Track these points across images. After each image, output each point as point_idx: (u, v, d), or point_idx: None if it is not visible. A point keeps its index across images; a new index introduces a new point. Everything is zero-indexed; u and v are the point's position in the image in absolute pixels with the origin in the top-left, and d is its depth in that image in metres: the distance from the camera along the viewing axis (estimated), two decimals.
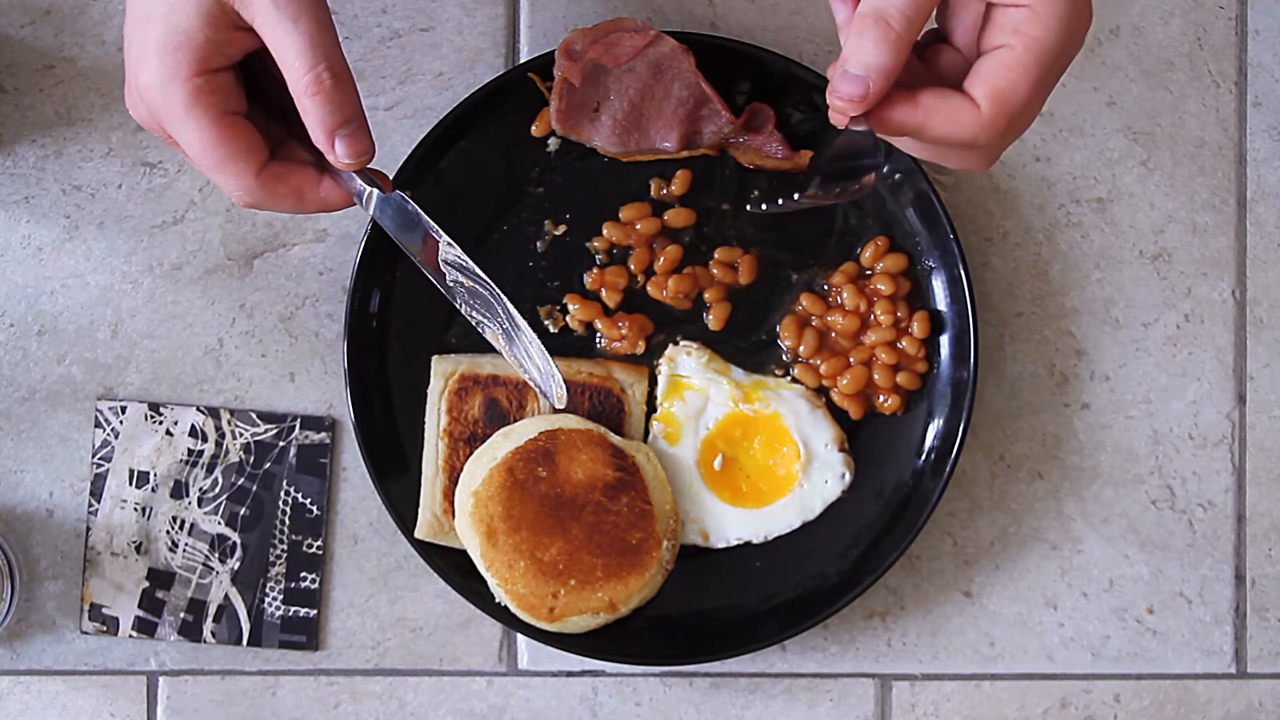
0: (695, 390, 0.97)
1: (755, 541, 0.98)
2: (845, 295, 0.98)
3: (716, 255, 0.98)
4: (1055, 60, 0.74)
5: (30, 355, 0.99)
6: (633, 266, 0.98)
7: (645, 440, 0.98)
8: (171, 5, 0.78)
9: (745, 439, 0.98)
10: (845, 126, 0.75)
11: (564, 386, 0.86)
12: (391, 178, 0.96)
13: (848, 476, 0.97)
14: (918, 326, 0.98)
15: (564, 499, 0.93)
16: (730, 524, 0.97)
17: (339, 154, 0.80)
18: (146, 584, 0.99)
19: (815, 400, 0.97)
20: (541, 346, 0.86)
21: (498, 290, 0.85)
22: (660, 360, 0.98)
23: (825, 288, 0.99)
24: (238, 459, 0.99)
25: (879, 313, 0.98)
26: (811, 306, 0.98)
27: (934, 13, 0.75)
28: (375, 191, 0.84)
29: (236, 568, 0.99)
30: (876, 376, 0.98)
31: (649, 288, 0.98)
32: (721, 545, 0.98)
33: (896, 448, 0.99)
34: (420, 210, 0.85)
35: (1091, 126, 1.01)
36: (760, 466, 0.98)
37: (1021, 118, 0.74)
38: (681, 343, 0.98)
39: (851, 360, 0.98)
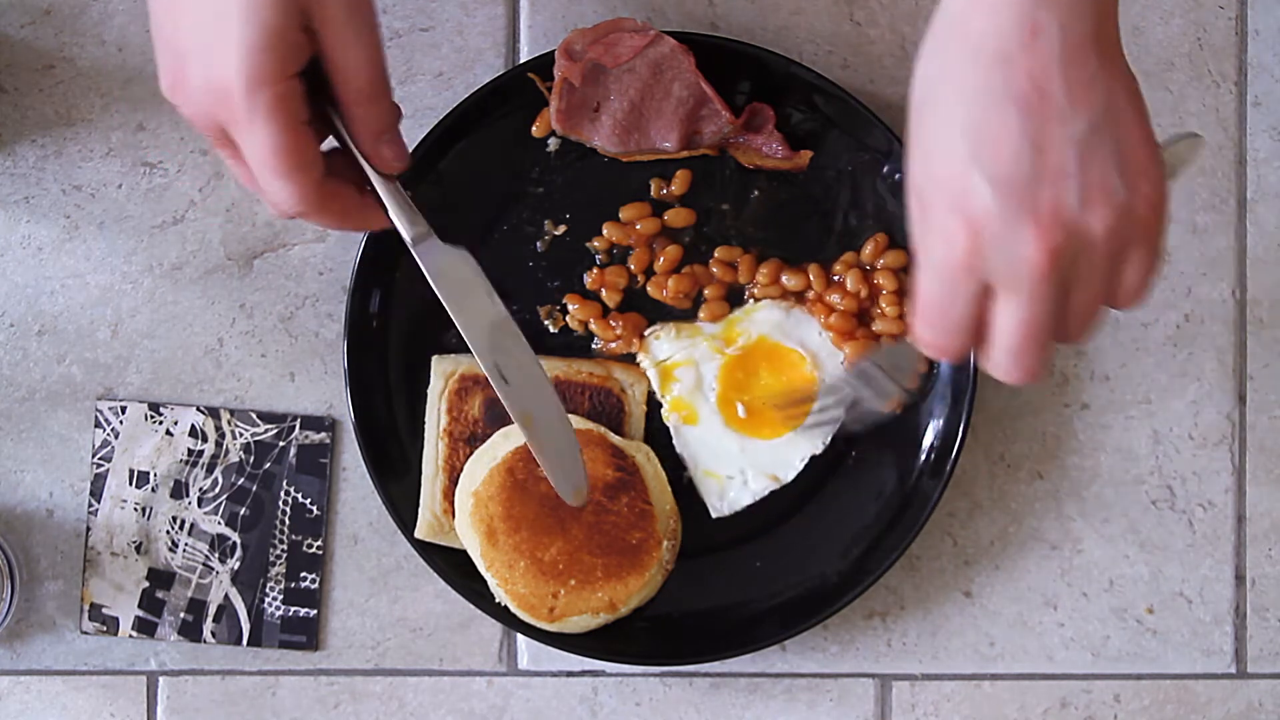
0: (684, 365, 0.97)
1: (817, 453, 0.98)
2: (849, 279, 0.98)
3: (716, 255, 0.98)
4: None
5: (30, 355, 0.99)
6: (633, 266, 0.98)
7: (662, 434, 0.98)
8: (252, 2, 0.76)
9: (750, 376, 0.98)
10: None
11: (585, 487, 0.90)
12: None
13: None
14: None
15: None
16: (786, 454, 0.97)
17: (384, 156, 0.83)
18: (146, 584, 0.99)
19: (785, 302, 0.97)
20: (575, 441, 0.90)
21: (545, 371, 0.89)
22: (641, 359, 0.98)
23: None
24: (238, 459, 0.99)
25: (885, 305, 0.98)
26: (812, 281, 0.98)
27: None
28: (433, 237, 0.86)
29: (236, 568, 0.99)
30: None
31: (649, 288, 0.98)
32: (793, 475, 0.98)
33: (896, 448, 0.99)
34: (481, 269, 0.88)
35: None
36: (778, 390, 0.97)
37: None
38: (647, 332, 0.98)
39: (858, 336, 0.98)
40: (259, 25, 0.76)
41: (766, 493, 0.98)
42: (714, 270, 0.98)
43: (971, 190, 0.75)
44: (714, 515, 0.98)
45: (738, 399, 0.98)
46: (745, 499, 0.98)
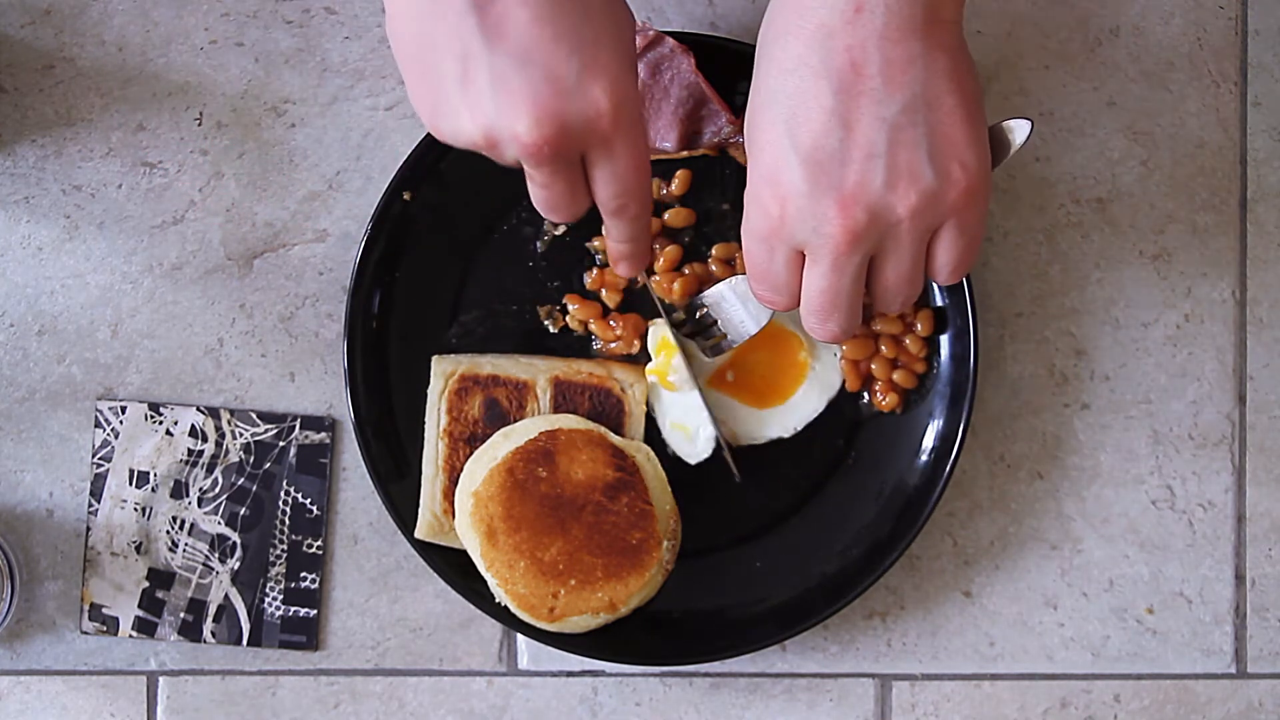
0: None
1: (786, 436, 0.98)
2: None
3: (714, 252, 0.98)
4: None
5: (30, 355, 0.99)
6: None
7: (646, 409, 0.98)
8: (618, 37, 0.77)
9: (747, 352, 0.98)
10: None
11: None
12: (391, 178, 0.96)
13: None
14: (922, 325, 0.98)
15: (564, 499, 0.93)
16: (758, 425, 0.98)
17: (615, 256, 0.87)
18: (146, 584, 0.99)
19: None
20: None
21: None
22: (650, 325, 0.98)
23: None
24: (238, 459, 0.99)
25: None
26: None
27: None
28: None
29: (236, 568, 0.99)
30: (874, 367, 0.98)
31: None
32: (755, 443, 0.98)
33: (896, 448, 0.99)
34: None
35: (1091, 126, 1.01)
36: (770, 366, 0.98)
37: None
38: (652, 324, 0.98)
39: (857, 333, 0.98)
40: (626, 50, 0.77)
41: (730, 446, 0.97)
42: (713, 268, 0.98)
43: (783, 163, 0.77)
44: (689, 462, 0.98)
45: (730, 367, 0.98)
46: (707, 451, 0.97)
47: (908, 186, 0.76)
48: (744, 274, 0.93)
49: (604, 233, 0.86)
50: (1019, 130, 0.82)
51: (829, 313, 0.81)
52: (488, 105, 0.76)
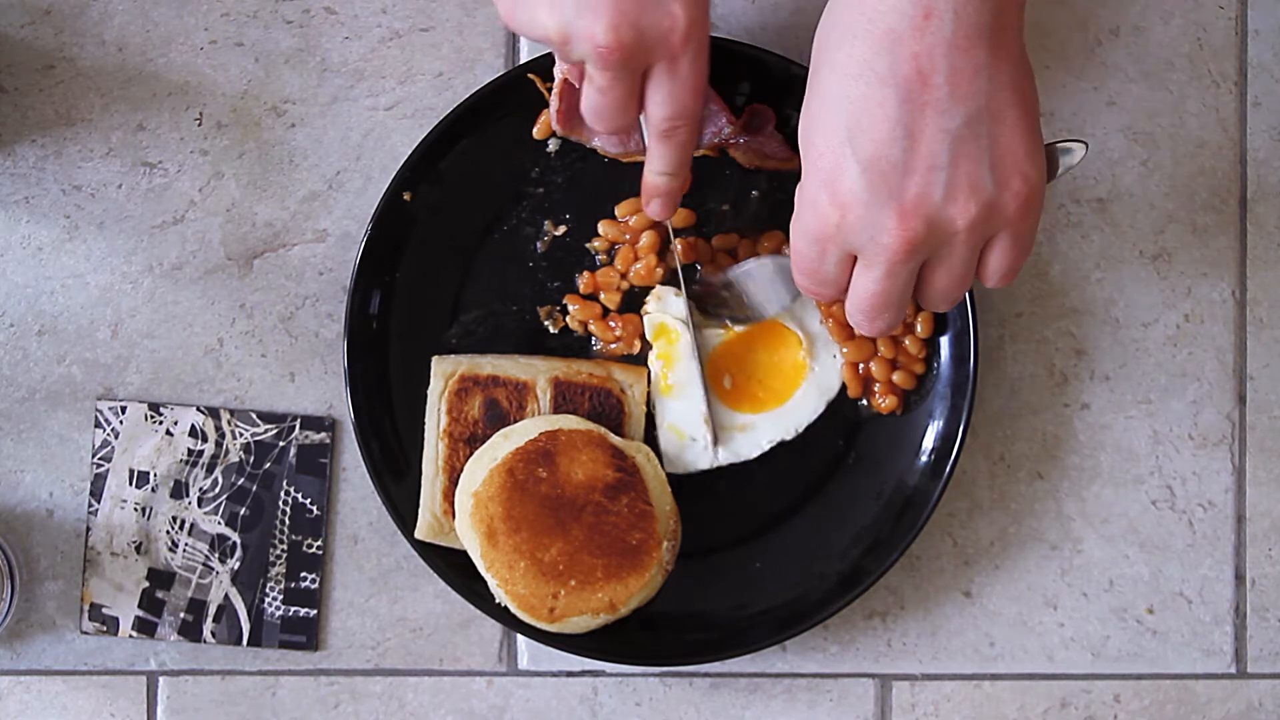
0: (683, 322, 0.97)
1: (788, 439, 0.98)
2: None
3: (714, 243, 0.98)
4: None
5: (30, 355, 0.99)
6: (619, 265, 0.98)
7: (648, 405, 0.98)
8: None
9: (748, 351, 0.98)
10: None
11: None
12: (391, 178, 0.96)
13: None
14: (922, 326, 0.98)
15: (564, 499, 0.93)
16: (757, 432, 0.97)
17: (651, 190, 0.90)
18: (146, 584, 0.99)
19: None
20: None
21: None
22: (647, 301, 0.98)
23: None
24: (238, 459, 0.99)
25: None
26: None
27: None
28: None
29: (236, 568, 0.99)
30: (873, 368, 0.98)
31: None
32: (758, 454, 0.97)
33: (896, 448, 0.99)
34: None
35: (1091, 126, 1.01)
36: (768, 367, 0.98)
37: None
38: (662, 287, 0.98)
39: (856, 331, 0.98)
40: None
41: (725, 464, 0.98)
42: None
43: (843, 170, 0.77)
44: (667, 470, 0.98)
45: (728, 370, 0.98)
46: (702, 464, 0.97)
47: (968, 199, 0.76)
48: (772, 255, 0.94)
49: (645, 165, 0.87)
50: (1074, 152, 0.83)
51: (879, 312, 0.82)
52: (569, 2, 0.78)
